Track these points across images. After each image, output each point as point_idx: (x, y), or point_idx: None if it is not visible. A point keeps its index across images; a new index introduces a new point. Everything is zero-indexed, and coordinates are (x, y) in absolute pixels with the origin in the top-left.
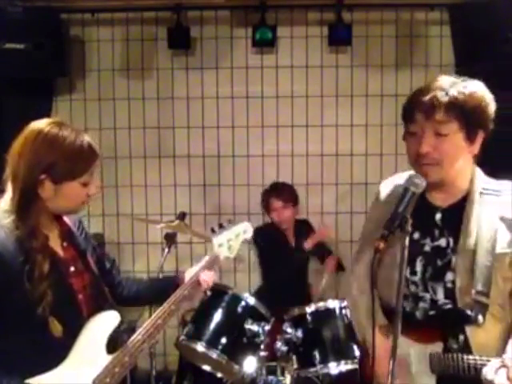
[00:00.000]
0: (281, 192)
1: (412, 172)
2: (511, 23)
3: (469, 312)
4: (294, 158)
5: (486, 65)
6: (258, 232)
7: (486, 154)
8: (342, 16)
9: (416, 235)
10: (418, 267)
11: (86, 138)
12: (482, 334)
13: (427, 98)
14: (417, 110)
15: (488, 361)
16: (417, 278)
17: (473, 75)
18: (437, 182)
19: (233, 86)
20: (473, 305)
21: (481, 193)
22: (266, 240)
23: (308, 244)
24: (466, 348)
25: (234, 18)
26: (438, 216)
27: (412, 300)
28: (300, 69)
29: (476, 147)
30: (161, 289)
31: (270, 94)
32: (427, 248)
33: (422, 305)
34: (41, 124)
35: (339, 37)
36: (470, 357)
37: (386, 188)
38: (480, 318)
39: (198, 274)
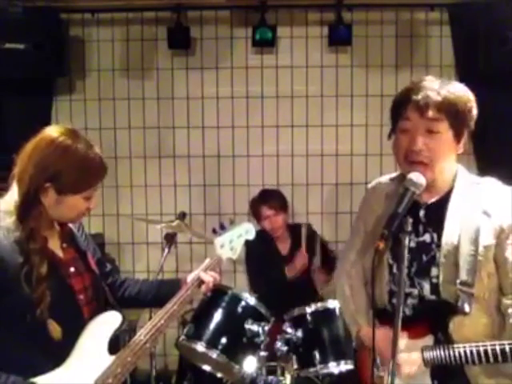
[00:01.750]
0: (271, 199)
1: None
2: (511, 23)
3: (455, 302)
4: (294, 157)
5: (486, 65)
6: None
7: (487, 152)
8: (342, 16)
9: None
10: (405, 263)
11: (98, 152)
12: (467, 327)
13: (420, 96)
14: (410, 107)
15: (477, 346)
16: (404, 274)
17: (473, 75)
18: (430, 183)
19: (233, 86)
20: (457, 295)
21: (464, 189)
22: (255, 248)
23: (289, 273)
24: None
25: (234, 18)
26: (422, 212)
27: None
28: (300, 69)
29: (461, 146)
30: (163, 292)
31: (270, 93)
32: (412, 244)
33: (410, 301)
34: (56, 131)
35: (339, 37)
36: (460, 344)
37: (373, 190)
38: (466, 306)
39: (200, 274)
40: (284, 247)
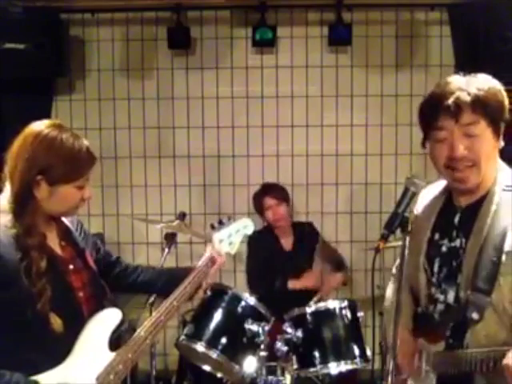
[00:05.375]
0: (273, 190)
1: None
2: (511, 23)
3: (467, 309)
4: (294, 157)
5: (486, 65)
6: (251, 238)
7: None
8: (342, 16)
9: (436, 236)
10: (436, 268)
11: (85, 143)
12: (484, 338)
13: (451, 101)
14: (442, 115)
15: (493, 351)
16: (434, 280)
17: None
18: (474, 187)
19: (233, 86)
20: (470, 301)
21: (503, 189)
22: (259, 245)
23: (292, 285)
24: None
25: (234, 18)
26: (457, 216)
27: (432, 301)
28: (300, 69)
29: (500, 141)
30: (175, 278)
31: (270, 94)
32: (444, 249)
33: (439, 307)
34: (40, 125)
35: (339, 37)
36: (469, 350)
37: (422, 199)
38: (475, 314)
39: (200, 270)
40: (287, 243)
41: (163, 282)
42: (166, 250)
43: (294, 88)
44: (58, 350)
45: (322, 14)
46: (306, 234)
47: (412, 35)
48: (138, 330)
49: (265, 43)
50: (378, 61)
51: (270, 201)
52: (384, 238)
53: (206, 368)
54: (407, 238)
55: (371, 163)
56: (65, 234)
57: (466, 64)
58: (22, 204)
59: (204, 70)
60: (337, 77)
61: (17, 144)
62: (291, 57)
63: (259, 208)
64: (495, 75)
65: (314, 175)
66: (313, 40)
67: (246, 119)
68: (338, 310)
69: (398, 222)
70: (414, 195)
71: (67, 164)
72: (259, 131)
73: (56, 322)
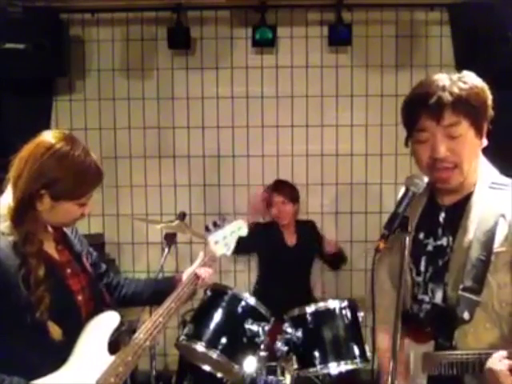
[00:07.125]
0: (282, 188)
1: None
2: (511, 23)
3: (457, 309)
4: (294, 157)
5: (486, 65)
6: (256, 226)
7: (487, 152)
8: (342, 16)
9: (421, 235)
10: (422, 267)
11: (94, 159)
12: (471, 336)
13: (432, 101)
14: (424, 116)
15: (478, 354)
16: (420, 279)
17: None
18: (457, 186)
19: (233, 86)
20: (460, 301)
21: (490, 187)
22: (262, 235)
23: (328, 247)
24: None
25: (234, 18)
26: (442, 215)
27: (416, 302)
28: (300, 69)
29: (484, 140)
30: (159, 289)
31: (270, 94)
32: (430, 247)
33: (424, 306)
34: (53, 138)
35: (339, 37)
36: (458, 352)
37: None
38: (466, 314)
39: (195, 270)
40: (291, 239)
41: (147, 297)
42: (166, 250)
43: (294, 88)
44: (57, 354)
45: (322, 14)
46: (308, 231)
47: (412, 35)
48: (138, 332)
49: (265, 43)
50: (378, 61)
51: (277, 198)
52: (384, 237)
53: (206, 368)
54: (407, 238)
55: (371, 163)
56: (61, 238)
57: (466, 64)
58: (22, 213)
59: (204, 69)
60: (337, 77)
61: (26, 152)
62: (291, 57)
63: (267, 203)
64: (495, 75)
65: (313, 175)
66: (313, 40)
67: (246, 119)
68: (338, 310)
69: (397, 221)
70: (414, 195)
71: (74, 181)
72: (259, 131)
73: (55, 331)
